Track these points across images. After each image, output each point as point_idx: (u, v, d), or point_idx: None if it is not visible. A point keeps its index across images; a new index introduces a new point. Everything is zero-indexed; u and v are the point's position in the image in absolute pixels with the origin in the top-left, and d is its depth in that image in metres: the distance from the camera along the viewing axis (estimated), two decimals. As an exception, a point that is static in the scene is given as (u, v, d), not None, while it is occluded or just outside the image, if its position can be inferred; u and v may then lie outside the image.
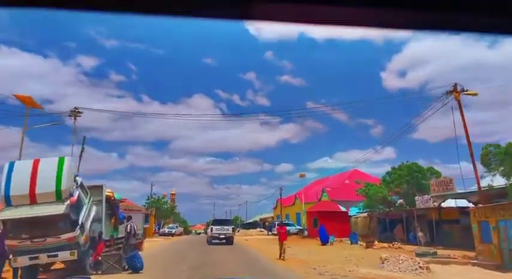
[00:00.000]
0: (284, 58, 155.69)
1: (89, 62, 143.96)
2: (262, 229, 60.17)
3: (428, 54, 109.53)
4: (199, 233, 62.06)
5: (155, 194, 57.53)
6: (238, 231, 60.61)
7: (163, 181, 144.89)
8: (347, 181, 46.31)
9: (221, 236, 25.58)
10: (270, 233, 45.28)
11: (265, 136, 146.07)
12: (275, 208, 66.12)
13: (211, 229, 26.48)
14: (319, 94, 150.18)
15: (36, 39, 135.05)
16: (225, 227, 26.27)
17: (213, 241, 25.50)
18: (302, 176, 48.26)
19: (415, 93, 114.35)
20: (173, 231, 48.54)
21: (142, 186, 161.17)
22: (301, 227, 42.11)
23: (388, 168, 30.47)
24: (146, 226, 38.22)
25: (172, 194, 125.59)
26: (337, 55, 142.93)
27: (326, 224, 28.99)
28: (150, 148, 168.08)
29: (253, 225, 75.80)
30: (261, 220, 76.30)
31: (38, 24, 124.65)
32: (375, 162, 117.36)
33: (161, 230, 49.23)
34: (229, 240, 25.58)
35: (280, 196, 51.51)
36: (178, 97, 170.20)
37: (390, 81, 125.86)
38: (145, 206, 52.96)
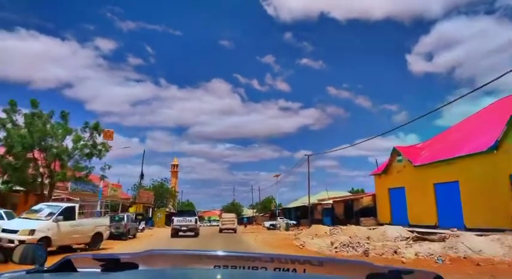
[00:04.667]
0: (304, 40, 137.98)
1: (107, 45, 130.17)
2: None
3: (459, 36, 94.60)
4: (212, 221, 41.73)
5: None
6: (279, 227, 37.23)
7: (184, 166, 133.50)
8: None
9: (183, 228, 25.09)
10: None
11: (284, 122, 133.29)
12: (381, 174, 31.32)
13: (173, 220, 26.22)
14: (340, 78, 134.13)
15: (54, 21, 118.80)
16: (188, 218, 25.82)
17: (179, 234, 24.86)
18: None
19: (442, 77, 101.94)
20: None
21: (161, 170, 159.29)
22: None
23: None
24: None
25: (174, 165, 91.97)
26: (360, 36, 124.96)
27: None
28: (170, 133, 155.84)
29: (303, 212, 47.38)
30: (317, 203, 45.13)
31: (54, 6, 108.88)
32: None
33: None
34: (193, 232, 25.16)
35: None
36: (197, 81, 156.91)
37: (416, 64, 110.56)
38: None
